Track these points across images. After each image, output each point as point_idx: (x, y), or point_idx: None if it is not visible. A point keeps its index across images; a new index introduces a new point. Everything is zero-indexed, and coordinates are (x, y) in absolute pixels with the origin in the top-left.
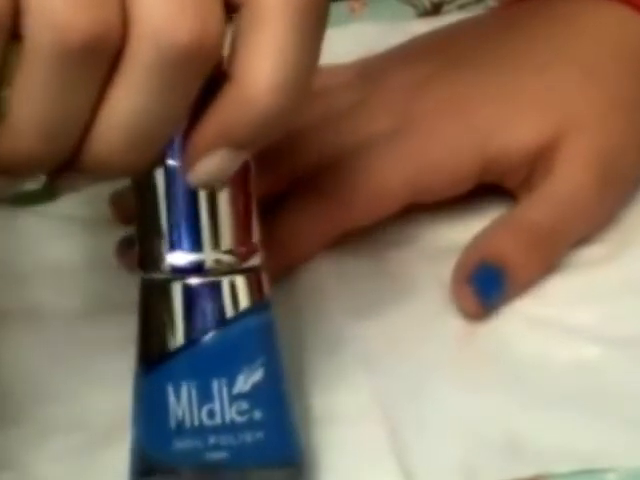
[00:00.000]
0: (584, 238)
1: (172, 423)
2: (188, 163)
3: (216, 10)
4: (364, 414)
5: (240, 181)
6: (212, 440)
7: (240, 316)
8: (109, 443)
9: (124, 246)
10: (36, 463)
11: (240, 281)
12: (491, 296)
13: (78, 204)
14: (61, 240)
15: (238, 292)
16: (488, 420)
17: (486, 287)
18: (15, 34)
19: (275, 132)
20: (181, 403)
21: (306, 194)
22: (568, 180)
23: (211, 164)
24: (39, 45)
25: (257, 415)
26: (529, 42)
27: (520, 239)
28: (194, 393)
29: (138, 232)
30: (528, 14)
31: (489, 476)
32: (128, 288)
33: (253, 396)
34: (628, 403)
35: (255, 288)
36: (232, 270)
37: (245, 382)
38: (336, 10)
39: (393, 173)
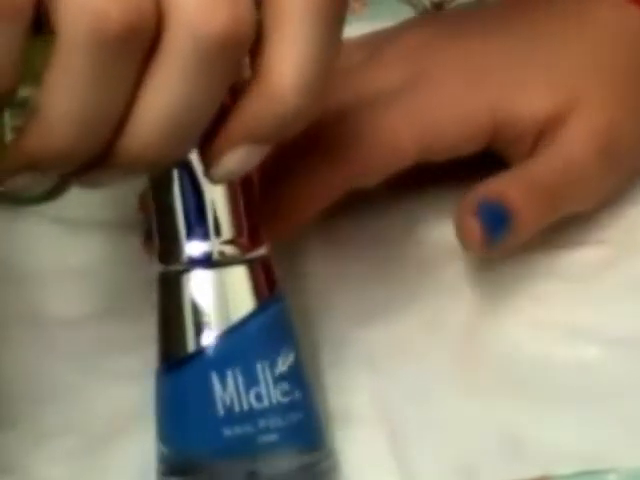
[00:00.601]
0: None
1: (220, 411)
2: (211, 158)
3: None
4: (365, 415)
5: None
6: (262, 423)
7: (269, 300)
8: (109, 444)
9: (149, 237)
10: (35, 465)
11: (264, 266)
12: (496, 232)
13: (79, 206)
14: (62, 242)
15: (262, 278)
16: (488, 421)
17: (492, 222)
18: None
19: (298, 127)
20: (228, 390)
21: (312, 151)
22: (571, 145)
23: (234, 160)
24: (73, 36)
25: (297, 395)
26: (545, 17)
27: (522, 187)
28: (240, 378)
29: (157, 226)
30: (537, 7)
31: (490, 477)
32: (129, 291)
33: (291, 377)
34: (628, 403)
35: (272, 275)
36: (256, 256)
37: (283, 363)
38: None
39: (400, 128)
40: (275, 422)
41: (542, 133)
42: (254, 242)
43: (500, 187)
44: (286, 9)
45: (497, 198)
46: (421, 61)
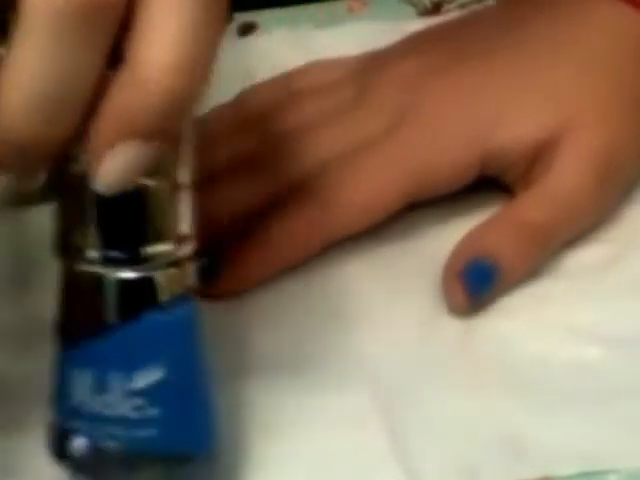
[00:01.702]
0: (581, 236)
1: (75, 404)
2: (92, 162)
3: None
4: (365, 415)
5: (166, 170)
6: (106, 429)
7: (147, 313)
8: None
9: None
10: (39, 467)
11: (160, 276)
12: (481, 293)
13: None
14: None
15: (153, 288)
16: (489, 421)
17: (477, 284)
18: None
19: (181, 114)
20: (83, 388)
21: (300, 200)
22: (567, 179)
23: (117, 161)
24: None
25: (152, 413)
26: (534, 38)
27: (514, 235)
28: (92, 382)
29: (63, 221)
30: (533, 11)
31: (490, 477)
32: None
33: (149, 394)
34: (629, 403)
35: (173, 284)
36: (153, 266)
37: (142, 380)
38: (335, 10)
39: (389, 179)
40: (120, 431)
41: (535, 157)
42: (174, 245)
43: (487, 239)
44: None
45: (483, 254)
46: (411, 96)
